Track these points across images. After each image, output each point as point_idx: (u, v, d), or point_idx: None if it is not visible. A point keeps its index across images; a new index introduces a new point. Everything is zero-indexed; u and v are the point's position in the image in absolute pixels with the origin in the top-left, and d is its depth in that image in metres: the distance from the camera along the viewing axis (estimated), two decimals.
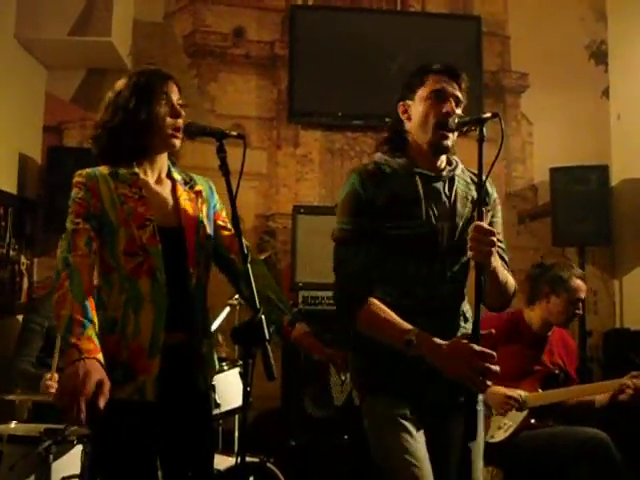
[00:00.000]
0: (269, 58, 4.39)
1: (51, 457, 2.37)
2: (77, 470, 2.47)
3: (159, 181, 2.02)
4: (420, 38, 4.30)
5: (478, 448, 1.92)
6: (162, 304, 1.88)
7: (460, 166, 2.05)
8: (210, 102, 4.31)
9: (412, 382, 1.89)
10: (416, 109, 1.97)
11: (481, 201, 1.82)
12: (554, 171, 4.16)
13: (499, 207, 2.10)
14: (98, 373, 1.67)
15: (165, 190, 2.01)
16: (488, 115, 1.80)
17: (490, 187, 2.07)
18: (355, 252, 1.91)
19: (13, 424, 2.65)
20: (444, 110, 1.91)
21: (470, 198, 1.99)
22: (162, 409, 1.90)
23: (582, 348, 3.97)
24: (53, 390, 2.83)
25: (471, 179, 2.03)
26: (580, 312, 3.22)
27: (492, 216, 2.06)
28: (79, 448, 2.49)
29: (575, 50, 4.55)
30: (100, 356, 1.70)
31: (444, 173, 1.99)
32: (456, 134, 1.96)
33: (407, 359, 1.81)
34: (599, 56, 4.58)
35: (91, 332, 1.72)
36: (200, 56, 4.34)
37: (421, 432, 1.90)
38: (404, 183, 1.94)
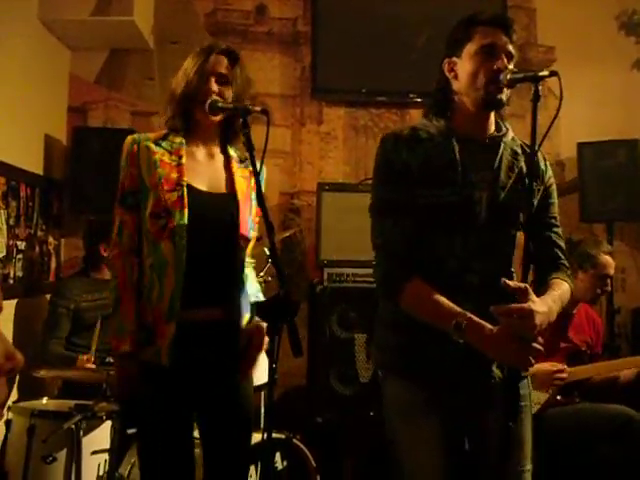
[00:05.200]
0: (292, 35, 4.35)
1: (81, 432, 2.43)
2: (107, 445, 2.52)
3: (211, 156, 2.05)
4: (445, 12, 4.20)
5: (525, 435, 1.85)
6: (180, 269, 1.89)
7: (510, 134, 1.87)
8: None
9: (444, 367, 1.77)
10: (464, 66, 1.79)
11: (533, 170, 1.69)
12: (582, 146, 4.08)
13: (554, 187, 1.93)
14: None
15: (217, 164, 2.05)
16: (545, 73, 1.65)
17: (543, 162, 1.90)
18: (392, 225, 1.78)
19: (45, 400, 2.71)
20: (495, 67, 1.74)
21: (517, 169, 1.81)
22: (176, 376, 1.92)
23: (610, 325, 3.92)
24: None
25: (522, 149, 1.85)
26: (608, 289, 3.18)
27: (546, 196, 1.89)
28: (108, 424, 2.54)
29: (604, 21, 4.43)
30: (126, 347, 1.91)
31: (489, 139, 1.83)
32: (510, 91, 1.79)
33: (441, 341, 1.70)
34: (630, 27, 4.45)
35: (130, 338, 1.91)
36: (222, 34, 4.30)
37: (439, 420, 1.77)
38: (439, 147, 1.78)
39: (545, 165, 1.91)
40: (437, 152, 1.78)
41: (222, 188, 2.01)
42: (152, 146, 1.97)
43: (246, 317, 2.02)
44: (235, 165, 2.05)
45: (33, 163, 3.75)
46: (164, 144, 1.98)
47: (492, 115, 1.85)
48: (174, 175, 1.94)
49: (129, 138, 2.01)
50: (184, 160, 1.97)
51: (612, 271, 3.16)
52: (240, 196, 2.00)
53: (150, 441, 1.95)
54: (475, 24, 1.80)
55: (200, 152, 2.03)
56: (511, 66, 1.78)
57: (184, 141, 2.00)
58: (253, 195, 2.02)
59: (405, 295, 1.75)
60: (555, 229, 1.91)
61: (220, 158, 2.06)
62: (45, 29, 3.83)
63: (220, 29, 4.31)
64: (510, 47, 1.78)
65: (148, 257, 1.93)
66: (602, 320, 3.54)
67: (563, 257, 1.91)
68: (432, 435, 1.77)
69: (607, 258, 3.11)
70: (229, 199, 1.99)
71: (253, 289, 2.10)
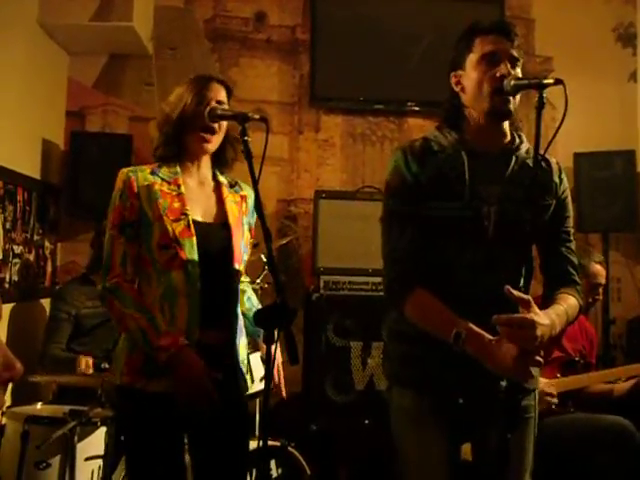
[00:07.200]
0: (290, 43, 4.36)
1: (76, 438, 2.41)
2: (101, 451, 2.51)
3: (202, 183, 2.04)
4: (443, 22, 4.23)
5: (527, 447, 1.86)
6: (195, 298, 1.89)
7: (525, 145, 1.85)
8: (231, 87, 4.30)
9: (447, 376, 1.76)
10: (469, 78, 1.79)
11: (536, 180, 1.67)
12: (578, 156, 4.10)
13: (569, 200, 1.89)
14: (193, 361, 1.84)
15: (208, 190, 2.04)
16: (550, 81, 1.63)
17: (557, 175, 1.87)
18: (398, 235, 1.78)
19: (39, 405, 2.70)
20: (498, 74, 1.72)
21: (527, 183, 1.76)
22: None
23: (605, 336, 3.93)
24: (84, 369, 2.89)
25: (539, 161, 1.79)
26: (599, 297, 3.19)
27: (560, 210, 1.86)
28: (103, 430, 2.53)
29: (601, 33, 4.46)
30: (182, 339, 1.85)
31: (500, 151, 1.81)
32: (518, 98, 1.76)
33: (448, 353, 1.68)
34: (627, 39, 4.48)
35: (163, 327, 1.85)
36: (221, 41, 4.32)
37: (443, 429, 1.79)
38: (449, 160, 1.77)
39: (560, 178, 1.88)
40: (447, 165, 1.78)
41: (215, 217, 2.00)
42: (149, 177, 1.96)
43: (242, 340, 2.04)
44: (225, 191, 2.05)
45: (30, 167, 3.74)
46: (160, 174, 1.97)
47: (505, 126, 1.84)
48: (176, 205, 1.93)
49: (124, 170, 1.97)
50: (183, 189, 1.96)
51: (603, 280, 3.16)
52: (232, 223, 2.00)
53: (141, 456, 1.94)
54: (475, 34, 1.80)
55: (193, 180, 2.02)
56: (518, 70, 1.76)
57: (179, 170, 2.00)
58: (245, 219, 2.06)
59: (408, 304, 1.76)
60: (568, 244, 1.88)
61: (211, 184, 2.06)
62: (44, 33, 3.84)
63: (219, 36, 4.33)
64: (513, 51, 1.76)
65: (158, 287, 1.91)
66: (597, 331, 3.55)
67: (574, 272, 1.88)
68: (435, 443, 1.79)
69: (598, 267, 3.12)
70: (222, 229, 1.98)
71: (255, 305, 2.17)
